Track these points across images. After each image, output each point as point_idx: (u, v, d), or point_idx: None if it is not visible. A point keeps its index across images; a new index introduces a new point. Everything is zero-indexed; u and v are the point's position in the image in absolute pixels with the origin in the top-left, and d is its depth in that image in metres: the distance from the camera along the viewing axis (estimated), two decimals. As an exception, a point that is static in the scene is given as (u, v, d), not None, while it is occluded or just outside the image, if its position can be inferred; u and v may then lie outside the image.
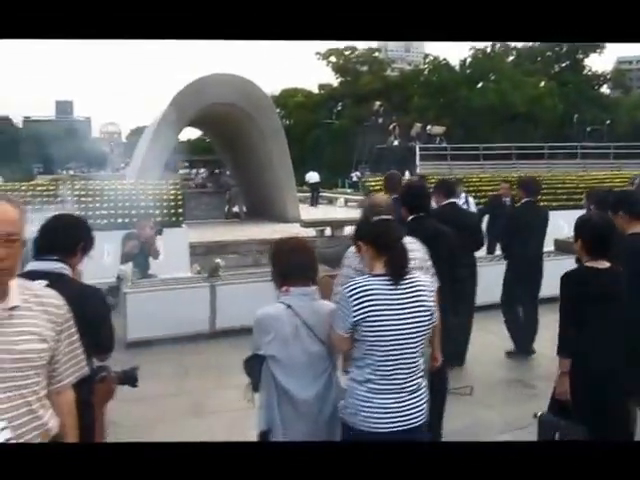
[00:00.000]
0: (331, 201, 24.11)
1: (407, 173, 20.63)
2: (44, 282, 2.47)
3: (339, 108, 51.25)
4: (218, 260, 7.73)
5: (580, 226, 3.61)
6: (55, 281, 2.50)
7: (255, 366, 2.73)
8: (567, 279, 3.56)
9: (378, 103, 38.09)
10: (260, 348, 2.72)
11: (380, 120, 37.03)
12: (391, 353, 2.53)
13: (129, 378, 3.00)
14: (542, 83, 43.98)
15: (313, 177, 23.83)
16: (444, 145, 31.09)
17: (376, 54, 51.87)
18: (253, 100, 15.06)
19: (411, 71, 50.84)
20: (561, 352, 3.51)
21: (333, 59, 49.33)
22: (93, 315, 2.63)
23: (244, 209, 18.21)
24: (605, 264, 3.50)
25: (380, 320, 2.51)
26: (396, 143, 32.50)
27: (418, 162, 27.90)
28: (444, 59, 46.16)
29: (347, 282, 2.65)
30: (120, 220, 9.28)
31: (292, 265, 2.77)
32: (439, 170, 22.43)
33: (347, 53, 49.12)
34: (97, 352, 2.76)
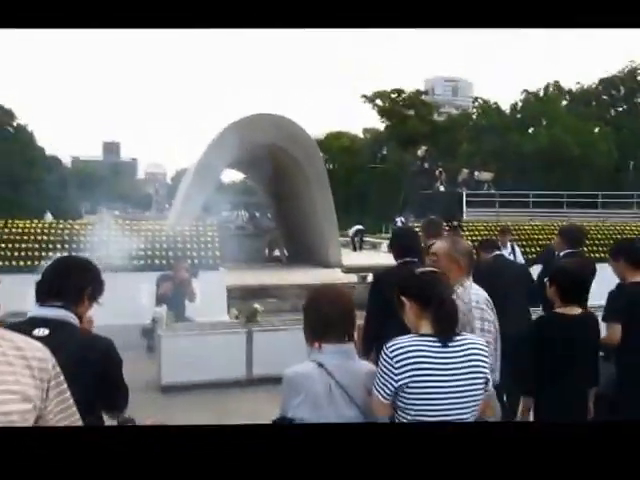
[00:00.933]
0: (375, 246, 24.08)
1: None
2: (46, 330, 2.38)
3: (384, 152, 51.58)
4: (256, 305, 7.73)
5: (554, 272, 3.88)
6: (58, 330, 2.39)
7: None
8: (537, 324, 3.86)
9: (424, 147, 38.16)
10: (288, 410, 2.56)
11: (426, 165, 36.97)
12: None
13: None
14: (597, 128, 43.48)
15: (356, 227, 24.00)
16: (492, 192, 30.86)
17: (423, 97, 52.28)
18: (297, 142, 15.19)
19: (459, 115, 50.93)
20: (524, 393, 3.87)
21: (379, 102, 49.90)
22: (102, 369, 2.48)
23: (285, 253, 18.29)
24: (577, 310, 3.72)
25: (427, 386, 2.34)
26: (442, 189, 32.35)
27: (465, 209, 27.75)
28: (494, 102, 46.19)
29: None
30: (157, 261, 9.40)
31: (325, 320, 2.59)
32: (486, 217, 22.20)
33: (393, 96, 49.64)
34: (107, 409, 2.61)
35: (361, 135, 53.98)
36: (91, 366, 2.35)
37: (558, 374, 3.63)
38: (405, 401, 2.36)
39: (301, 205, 16.51)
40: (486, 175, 33.16)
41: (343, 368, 2.55)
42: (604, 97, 48.27)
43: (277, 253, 18.41)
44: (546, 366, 3.65)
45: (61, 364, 1.83)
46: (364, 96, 50.26)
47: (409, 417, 2.38)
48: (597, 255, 11.35)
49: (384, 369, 2.38)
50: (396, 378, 2.34)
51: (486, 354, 2.48)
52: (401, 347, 2.37)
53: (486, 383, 2.46)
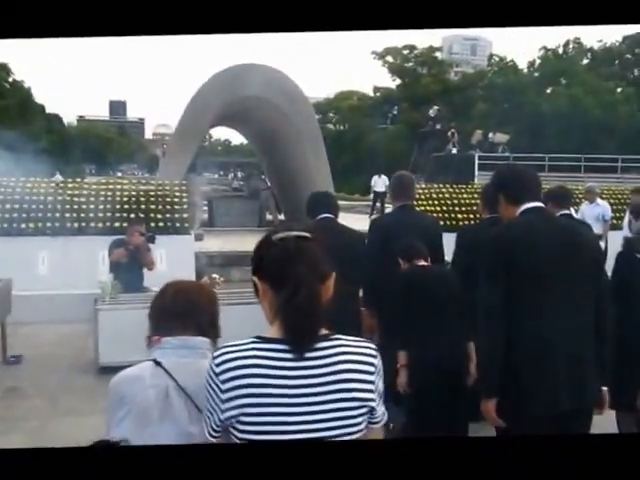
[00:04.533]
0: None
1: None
2: None
3: (395, 112, 50.27)
4: (215, 275, 7.01)
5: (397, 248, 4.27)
6: None
7: None
8: (393, 277, 4.13)
9: (436, 107, 36.99)
10: (110, 429, 1.86)
11: (438, 126, 35.93)
12: None
13: None
14: (619, 89, 42.10)
15: (380, 183, 22.06)
16: (506, 154, 29.90)
17: (437, 54, 50.73)
18: (288, 97, 14.35)
19: (474, 73, 49.37)
20: (398, 347, 3.98)
21: (390, 59, 48.36)
22: None
23: (278, 216, 17.61)
24: (425, 264, 4.13)
25: (266, 422, 1.54)
26: (454, 151, 31.45)
27: (477, 172, 26.90)
28: (511, 60, 44.70)
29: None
30: (117, 224, 8.69)
31: (170, 309, 1.99)
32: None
33: (405, 52, 48.14)
34: None
35: (371, 94, 52.58)
36: None
37: (427, 326, 3.90)
38: (239, 440, 1.57)
39: (293, 165, 15.73)
40: (501, 137, 32.14)
41: (191, 368, 1.84)
42: (628, 56, 46.61)
43: (270, 216, 17.71)
44: (416, 318, 3.91)
45: None
46: (374, 52, 48.80)
47: None
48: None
49: (210, 391, 1.60)
50: (223, 407, 1.56)
51: (372, 369, 1.62)
52: (231, 359, 1.57)
53: (370, 412, 1.63)
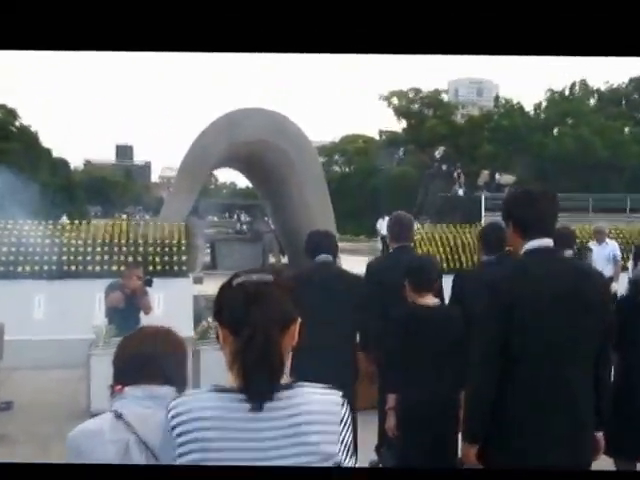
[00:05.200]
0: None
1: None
2: None
3: (401, 154, 50.61)
4: (205, 322, 6.93)
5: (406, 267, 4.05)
6: None
7: None
8: (394, 316, 3.92)
9: (442, 148, 37.26)
10: None
11: (444, 167, 36.15)
12: None
13: None
14: (627, 128, 42.33)
15: (385, 226, 21.88)
16: (513, 195, 29.87)
17: (442, 96, 51.27)
18: (290, 139, 14.42)
19: (480, 115, 49.78)
20: (387, 389, 3.90)
21: (395, 101, 48.84)
22: None
23: (282, 259, 17.56)
24: (433, 300, 3.90)
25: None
26: (461, 192, 31.53)
27: (484, 213, 26.91)
28: (517, 102, 45.11)
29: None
30: (115, 267, 8.64)
31: (134, 354, 1.94)
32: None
33: (411, 95, 48.66)
34: None
35: (377, 137, 53.06)
36: None
37: (423, 370, 3.73)
38: None
39: (296, 208, 15.73)
40: (508, 178, 32.30)
41: (152, 420, 1.75)
42: (635, 96, 47.02)
43: (273, 259, 17.69)
44: (412, 362, 3.74)
45: None
46: (380, 95, 49.33)
47: None
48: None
49: (165, 444, 1.53)
50: (178, 461, 1.49)
51: (337, 419, 1.53)
52: (184, 412, 1.50)
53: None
